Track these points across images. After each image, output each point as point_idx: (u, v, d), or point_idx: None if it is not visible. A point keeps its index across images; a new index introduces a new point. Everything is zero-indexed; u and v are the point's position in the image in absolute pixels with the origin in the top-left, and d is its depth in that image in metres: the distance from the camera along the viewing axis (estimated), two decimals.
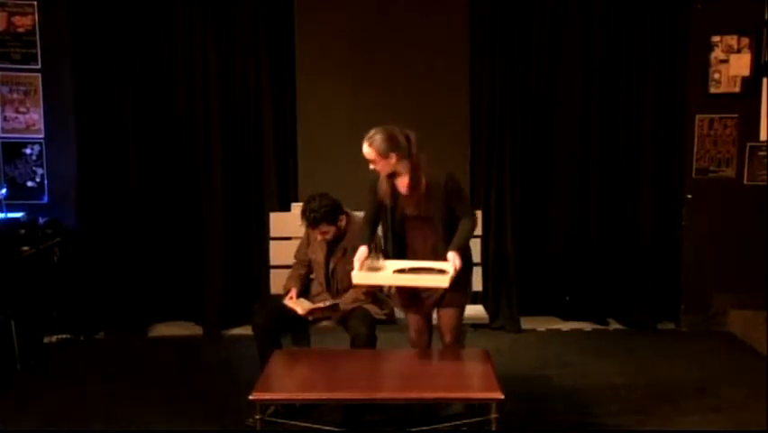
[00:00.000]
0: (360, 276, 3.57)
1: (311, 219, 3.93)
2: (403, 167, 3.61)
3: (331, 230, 3.98)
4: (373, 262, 3.64)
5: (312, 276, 4.24)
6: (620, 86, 5.53)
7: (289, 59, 5.58)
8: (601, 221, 5.63)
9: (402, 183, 3.64)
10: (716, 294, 5.58)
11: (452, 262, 3.51)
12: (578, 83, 5.53)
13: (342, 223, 4.01)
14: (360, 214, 4.12)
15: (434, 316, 3.88)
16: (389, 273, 3.59)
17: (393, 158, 3.56)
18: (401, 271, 3.59)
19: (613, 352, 5.10)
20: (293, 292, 4.09)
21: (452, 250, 3.54)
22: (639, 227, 5.60)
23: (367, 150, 3.58)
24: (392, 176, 3.65)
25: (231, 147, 5.58)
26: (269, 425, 3.34)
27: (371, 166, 3.63)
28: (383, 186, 3.68)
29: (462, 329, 4.00)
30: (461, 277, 3.61)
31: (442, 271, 3.51)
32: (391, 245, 3.70)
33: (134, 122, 5.50)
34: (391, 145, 3.56)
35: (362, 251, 3.61)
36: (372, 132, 3.60)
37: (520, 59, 5.51)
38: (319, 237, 4.02)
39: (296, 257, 4.24)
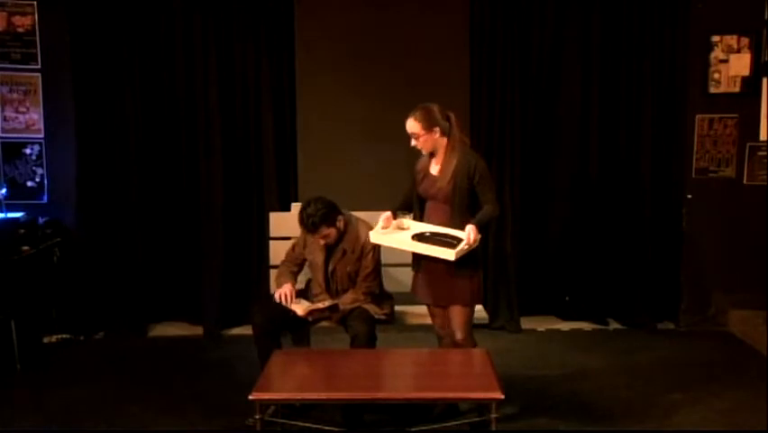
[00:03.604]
0: (376, 236, 3.76)
1: (310, 225, 3.91)
2: (442, 146, 3.74)
3: (331, 232, 3.97)
4: (401, 222, 3.79)
5: (309, 276, 4.23)
6: (620, 86, 5.53)
7: (289, 59, 5.59)
8: (601, 221, 5.63)
9: (437, 163, 3.76)
10: (716, 294, 5.58)
11: (467, 233, 3.56)
12: (577, 83, 5.53)
13: (341, 224, 4.00)
14: (358, 214, 4.17)
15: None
16: (407, 238, 3.68)
17: (437, 132, 3.70)
18: (420, 236, 3.66)
19: (613, 352, 5.09)
20: (289, 287, 4.05)
21: (472, 223, 3.60)
22: (639, 227, 5.60)
23: (412, 124, 3.71)
24: (431, 155, 3.79)
25: (231, 147, 5.58)
26: (269, 425, 3.34)
27: (413, 143, 3.74)
28: (423, 162, 3.83)
29: None
30: (464, 271, 3.68)
31: (460, 241, 3.56)
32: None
33: (134, 122, 5.50)
34: (435, 120, 3.70)
35: (387, 213, 3.79)
36: (415, 109, 3.72)
37: (520, 60, 5.51)
38: (322, 242, 4.00)
39: (288, 255, 4.21)
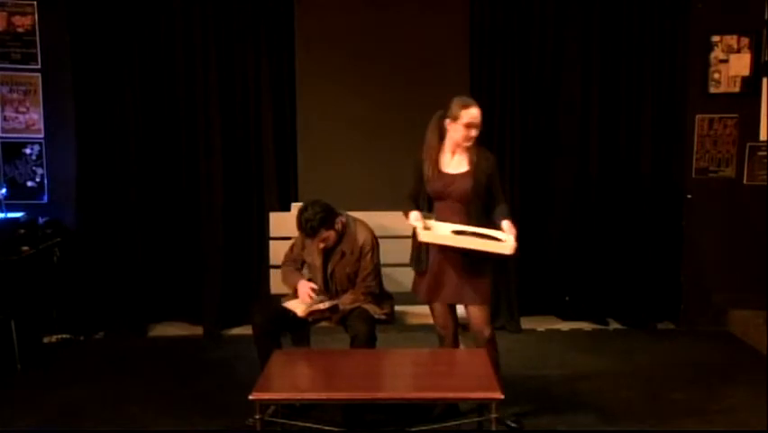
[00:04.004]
0: (427, 235, 3.60)
1: (309, 229, 3.89)
2: None
3: (330, 235, 3.96)
4: (425, 223, 3.69)
5: (309, 277, 4.23)
6: (620, 86, 5.54)
7: (289, 59, 5.59)
8: (601, 221, 5.64)
9: (452, 159, 3.70)
10: (716, 294, 5.58)
11: (508, 229, 3.58)
12: (578, 83, 5.53)
13: (339, 226, 3.99)
14: (358, 214, 4.16)
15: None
16: (454, 235, 3.61)
17: None
18: (460, 234, 3.59)
19: (613, 352, 5.09)
20: (308, 283, 4.03)
21: (506, 219, 3.62)
22: (639, 227, 5.60)
23: (478, 112, 3.67)
24: (438, 152, 3.73)
25: (231, 147, 5.58)
26: (269, 425, 3.34)
27: (474, 133, 3.67)
28: (430, 159, 3.71)
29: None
30: (484, 269, 3.70)
31: (497, 240, 3.56)
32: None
33: (134, 122, 5.50)
34: None
35: (417, 213, 3.68)
36: (470, 98, 3.72)
37: (520, 60, 5.52)
38: (321, 245, 3.99)
39: (287, 257, 4.21)
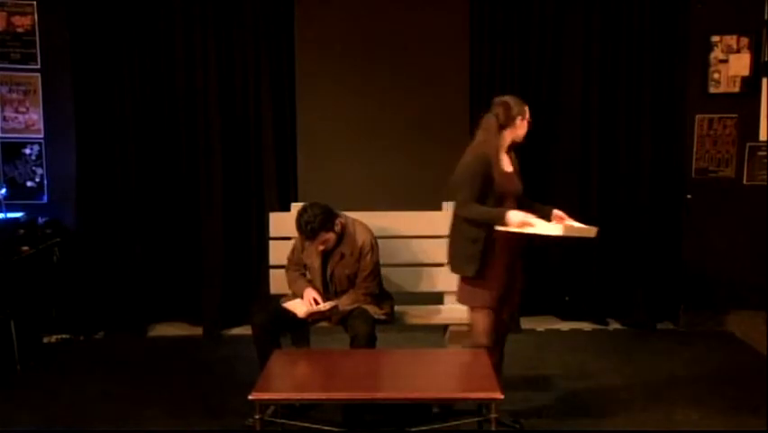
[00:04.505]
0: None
1: (309, 231, 3.89)
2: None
3: (330, 237, 3.95)
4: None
5: (310, 278, 4.23)
6: (620, 85, 5.54)
7: (289, 59, 5.59)
8: (601, 221, 5.60)
9: (503, 158, 3.72)
10: (716, 294, 5.58)
11: (560, 215, 3.68)
12: (578, 83, 5.53)
13: (338, 227, 3.99)
14: (358, 214, 4.15)
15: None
16: (557, 225, 3.61)
17: None
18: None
19: (613, 352, 5.09)
20: (313, 291, 4.03)
21: (553, 207, 3.71)
22: (639, 227, 5.60)
23: None
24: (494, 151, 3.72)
25: (231, 147, 5.58)
26: (268, 425, 3.34)
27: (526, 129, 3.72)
28: (495, 158, 3.64)
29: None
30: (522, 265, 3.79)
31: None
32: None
33: (134, 122, 5.50)
34: None
35: (518, 211, 3.52)
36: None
37: (520, 60, 5.52)
38: (321, 247, 3.98)
39: (289, 260, 4.21)
